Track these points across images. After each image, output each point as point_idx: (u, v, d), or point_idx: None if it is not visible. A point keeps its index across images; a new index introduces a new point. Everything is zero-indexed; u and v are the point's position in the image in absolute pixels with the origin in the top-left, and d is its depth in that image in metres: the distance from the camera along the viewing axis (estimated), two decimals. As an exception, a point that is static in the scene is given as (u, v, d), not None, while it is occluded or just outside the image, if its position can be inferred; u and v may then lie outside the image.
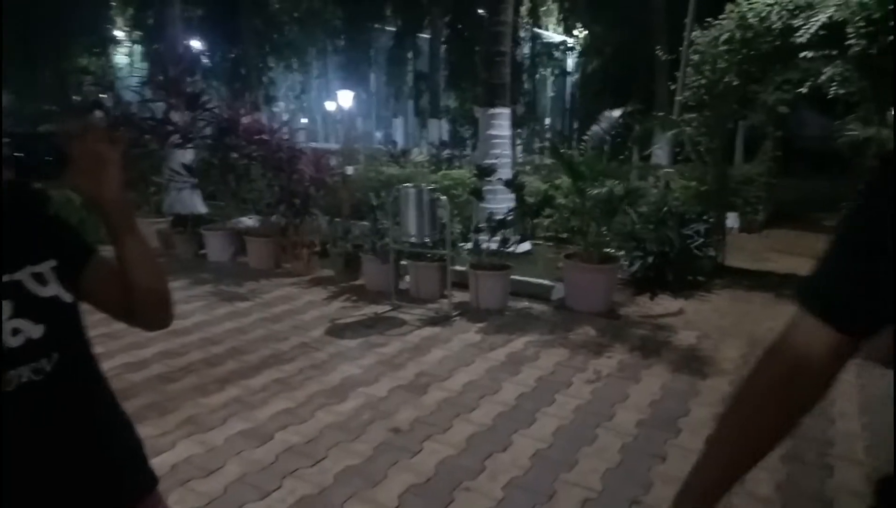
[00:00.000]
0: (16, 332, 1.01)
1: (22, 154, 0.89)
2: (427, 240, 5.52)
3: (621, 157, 6.25)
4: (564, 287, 5.67)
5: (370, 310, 5.54)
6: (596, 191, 5.37)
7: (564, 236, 6.39)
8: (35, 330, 1.03)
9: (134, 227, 1.09)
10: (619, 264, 5.83)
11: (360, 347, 4.67)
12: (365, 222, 6.60)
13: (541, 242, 7.21)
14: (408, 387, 3.96)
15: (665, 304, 5.68)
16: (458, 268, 5.74)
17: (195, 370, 4.17)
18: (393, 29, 23.03)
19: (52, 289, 1.07)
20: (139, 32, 19.68)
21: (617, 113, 6.25)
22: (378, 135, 19.97)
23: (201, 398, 3.73)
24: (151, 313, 1.17)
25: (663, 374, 4.19)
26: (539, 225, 6.78)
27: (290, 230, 6.97)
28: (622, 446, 3.24)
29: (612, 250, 5.90)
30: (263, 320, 5.25)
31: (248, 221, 7.46)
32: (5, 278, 1.02)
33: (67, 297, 1.09)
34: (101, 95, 7.24)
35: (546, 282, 5.90)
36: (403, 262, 5.98)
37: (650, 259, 5.83)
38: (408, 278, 6.03)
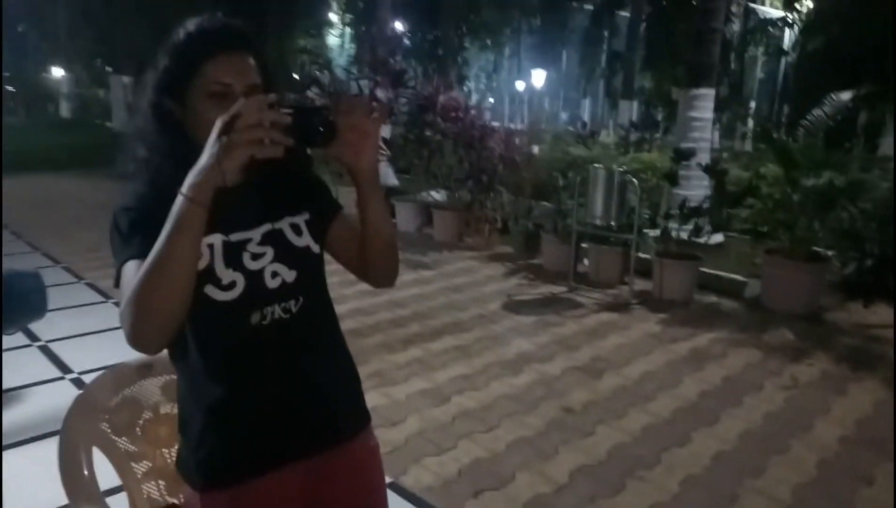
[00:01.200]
0: (274, 275, 1.17)
1: (301, 124, 1.02)
2: (612, 223, 5.38)
3: (845, 145, 5.56)
4: (761, 284, 5.23)
5: (547, 289, 5.55)
6: (812, 182, 4.85)
7: (764, 229, 5.85)
8: (289, 275, 1.18)
9: (380, 193, 1.21)
10: (829, 264, 5.23)
11: (535, 324, 4.71)
12: (547, 203, 6.60)
13: (735, 234, 6.69)
14: (582, 369, 3.92)
15: (882, 314, 5.01)
16: (641, 255, 5.52)
17: (383, 330, 4.49)
18: (591, 7, 22.45)
19: (305, 240, 1.22)
20: (350, 15, 21.29)
21: (846, 96, 5.56)
22: (564, 116, 19.69)
23: (387, 355, 4.01)
24: (382, 270, 1.28)
25: (876, 390, 3.71)
26: (736, 216, 6.27)
27: (475, 206, 7.17)
28: (820, 461, 2.95)
29: (822, 249, 5.31)
30: (445, 289, 5.49)
31: (437, 195, 7.79)
32: (269, 226, 1.18)
33: (316, 248, 1.23)
34: (317, 73, 7.94)
35: (739, 277, 5.48)
36: (584, 245, 5.89)
37: (869, 262, 5.15)
38: (587, 261, 5.94)
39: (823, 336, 4.58)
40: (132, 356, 1.29)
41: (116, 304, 4.75)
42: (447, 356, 4.07)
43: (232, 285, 1.13)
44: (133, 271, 1.04)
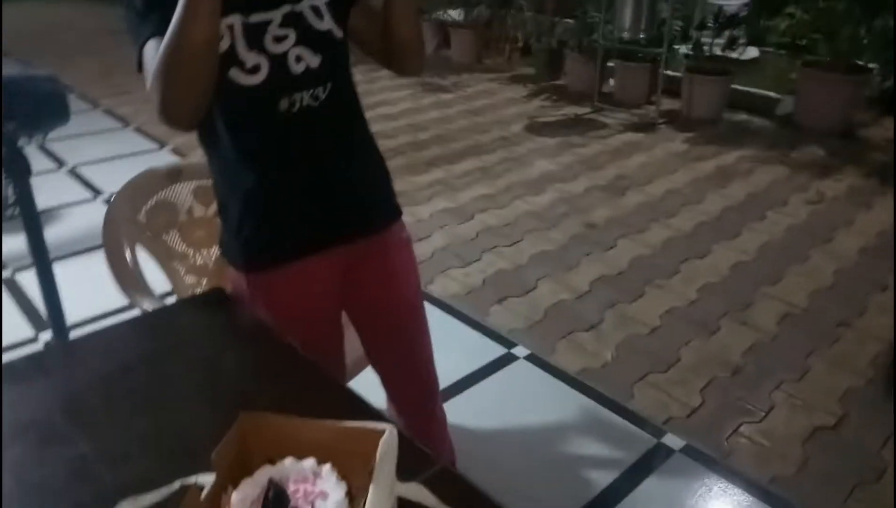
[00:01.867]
0: (298, 59, 1.12)
1: None
2: (642, 36, 5.07)
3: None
4: (795, 101, 5.02)
5: (570, 111, 5.39)
6: (861, -16, 4.45)
7: (803, 42, 5.49)
8: (314, 60, 1.13)
9: None
10: (869, 76, 4.96)
11: (558, 146, 4.64)
12: (571, 19, 6.19)
13: (771, 49, 6.30)
14: (605, 188, 3.91)
15: (919, 130, 4.83)
16: (669, 73, 5.26)
17: (404, 152, 4.45)
18: None
19: (327, 23, 1.16)
20: None
21: None
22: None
23: (410, 177, 4.01)
24: (408, 59, 1.24)
25: (903, 204, 3.69)
26: (774, 29, 5.86)
27: (495, 24, 6.77)
28: (837, 269, 3.00)
29: (864, 63, 5.00)
30: (465, 112, 5.35)
31: (453, 13, 7.33)
32: (288, 8, 1.12)
33: (339, 32, 1.17)
34: None
35: (772, 94, 5.25)
36: (610, 63, 5.61)
37: (912, 74, 4.87)
38: (612, 80, 5.70)
39: (855, 152, 4.47)
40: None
41: (137, 129, 4.75)
42: (469, 177, 4.06)
43: (256, 68, 1.09)
44: (153, 50, 1.01)
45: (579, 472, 1.92)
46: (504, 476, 1.70)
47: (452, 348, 2.42)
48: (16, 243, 3.10)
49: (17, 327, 2.54)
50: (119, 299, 1.64)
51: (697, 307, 2.72)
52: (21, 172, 1.77)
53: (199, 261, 1.73)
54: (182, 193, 1.73)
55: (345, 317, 1.39)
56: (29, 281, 2.81)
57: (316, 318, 1.28)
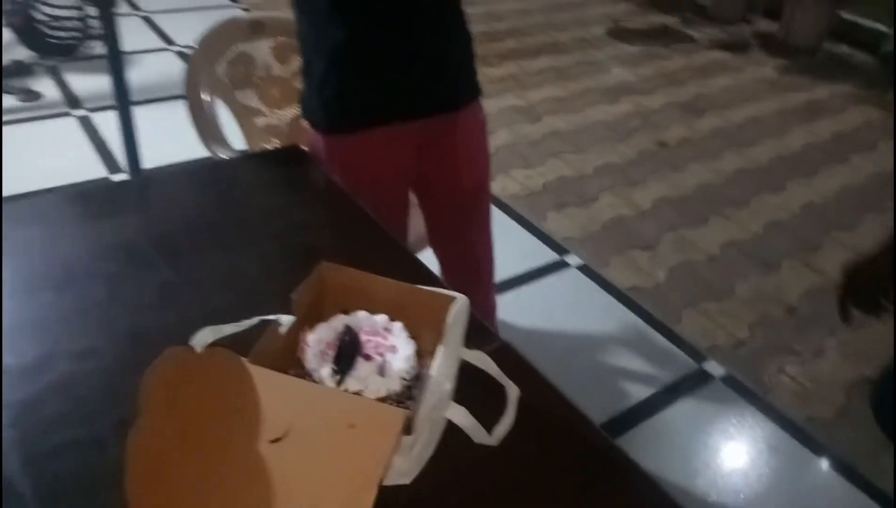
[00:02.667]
0: None
1: None
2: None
3: None
4: (906, 40, 4.60)
5: (658, 19, 5.06)
6: None
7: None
8: None
9: None
10: None
11: (640, 55, 4.40)
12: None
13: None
14: (683, 106, 3.73)
15: None
16: (775, -8, 4.85)
17: (478, 41, 4.26)
18: None
19: None
20: None
21: None
22: None
23: (481, 68, 3.85)
24: None
25: None
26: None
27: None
28: (917, 225, 2.85)
29: None
30: (546, 7, 5.08)
31: None
32: None
33: None
34: None
35: (881, 27, 4.82)
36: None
37: None
38: (710, -7, 5.30)
39: (961, 105, 4.13)
40: None
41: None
42: (542, 76, 3.91)
43: None
44: None
45: (614, 382, 1.95)
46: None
47: (505, 247, 2.40)
48: (92, 82, 3.17)
49: (91, 166, 2.63)
50: (191, 150, 1.67)
51: (761, 243, 2.64)
52: (105, 2, 1.75)
53: (273, 120, 1.73)
54: (262, 48, 1.71)
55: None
56: (104, 121, 2.88)
57: (387, 188, 1.28)
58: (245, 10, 4.31)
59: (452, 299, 0.78)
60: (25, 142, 2.77)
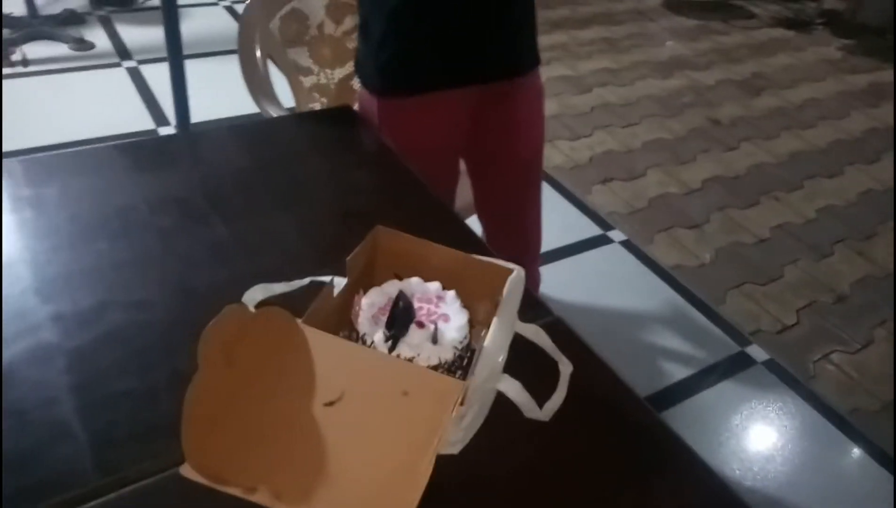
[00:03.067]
0: None
1: None
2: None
3: None
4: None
5: (718, -7, 4.87)
6: None
7: None
8: None
9: None
10: None
11: (696, 29, 4.24)
12: None
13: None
14: (739, 84, 3.59)
15: None
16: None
17: (528, 8, 4.18)
18: None
19: None
20: None
21: None
22: None
23: (531, 36, 3.79)
24: None
25: None
26: None
27: None
28: (983, 218, 2.72)
29: None
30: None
31: None
32: None
33: None
34: None
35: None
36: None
37: None
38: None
39: None
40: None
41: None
42: (594, 46, 3.81)
43: None
44: None
45: (654, 361, 1.92)
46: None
47: (547, 219, 2.37)
48: (144, 33, 3.19)
49: (139, 118, 2.66)
50: (240, 106, 1.67)
51: (813, 228, 2.55)
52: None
53: (323, 80, 1.72)
54: (315, 5, 1.68)
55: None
56: (154, 74, 2.90)
57: (438, 153, 1.26)
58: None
59: (509, 270, 0.77)
60: (75, 91, 2.81)
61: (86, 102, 2.74)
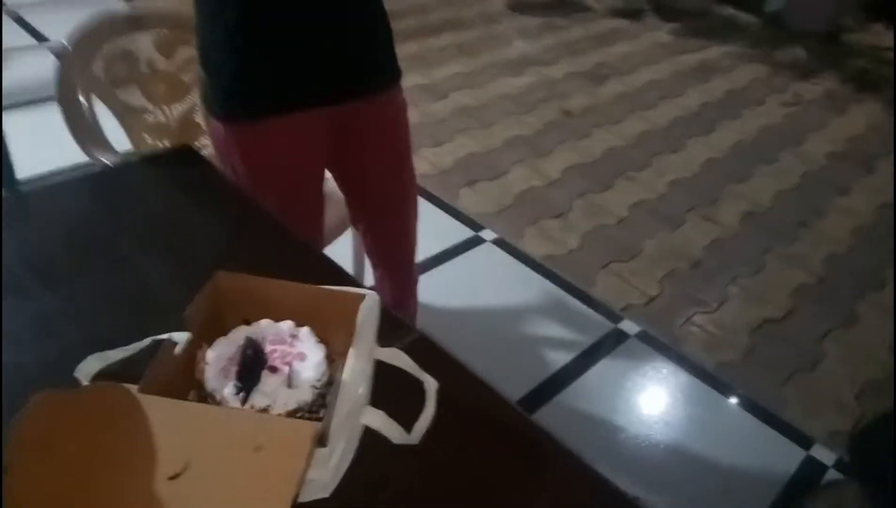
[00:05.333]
0: None
1: None
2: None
3: None
4: (785, -3, 4.87)
5: (555, -10, 5.12)
6: None
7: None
8: None
9: None
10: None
11: (540, 27, 4.45)
12: None
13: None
14: (585, 74, 3.80)
15: (902, 38, 4.78)
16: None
17: (377, 20, 4.20)
18: None
19: None
20: None
21: None
22: None
23: (383, 47, 3.81)
24: None
25: (876, 112, 3.70)
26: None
27: None
28: (804, 173, 3.04)
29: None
30: (445, -18, 5.03)
31: None
32: None
33: None
34: None
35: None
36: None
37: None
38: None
39: (837, 57, 4.41)
40: None
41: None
42: (445, 53, 3.89)
43: None
44: None
45: (537, 352, 1.99)
46: (463, 352, 1.74)
47: (420, 227, 2.40)
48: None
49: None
50: (71, 156, 1.55)
51: (665, 201, 2.75)
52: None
53: (161, 118, 1.63)
54: (143, 42, 1.59)
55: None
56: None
57: (296, 177, 1.23)
58: (125, -2, 4.04)
59: (362, 296, 0.76)
60: None
61: None
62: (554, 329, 2.08)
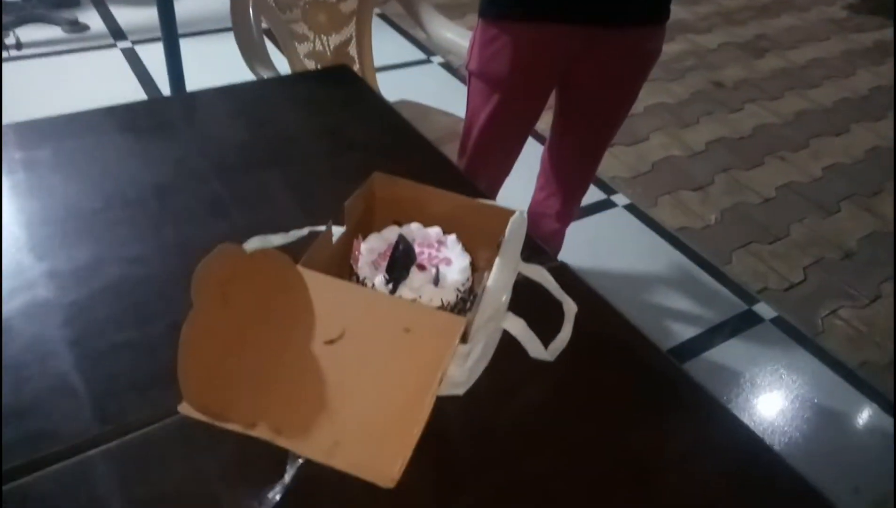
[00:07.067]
0: None
1: None
2: None
3: None
4: None
5: (718, -45, 4.78)
6: None
7: None
8: None
9: None
10: None
11: (697, -8, 4.17)
12: None
13: None
14: (742, 46, 3.54)
15: None
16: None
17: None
18: None
19: None
20: None
21: None
22: None
23: None
24: None
25: None
26: None
27: None
28: None
29: None
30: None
31: None
32: None
33: None
34: None
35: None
36: None
37: None
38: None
39: None
40: None
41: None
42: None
43: None
44: None
45: (662, 321, 1.91)
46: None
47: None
48: (138, 14, 3.16)
49: (135, 98, 2.63)
50: (239, 78, 1.64)
51: (819, 186, 2.52)
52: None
53: (319, 46, 1.69)
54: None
55: None
56: (148, 54, 2.87)
57: (532, 82, 1.23)
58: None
59: (510, 212, 0.75)
60: (70, 73, 2.79)
61: (81, 83, 2.72)
62: (681, 302, 1.98)
